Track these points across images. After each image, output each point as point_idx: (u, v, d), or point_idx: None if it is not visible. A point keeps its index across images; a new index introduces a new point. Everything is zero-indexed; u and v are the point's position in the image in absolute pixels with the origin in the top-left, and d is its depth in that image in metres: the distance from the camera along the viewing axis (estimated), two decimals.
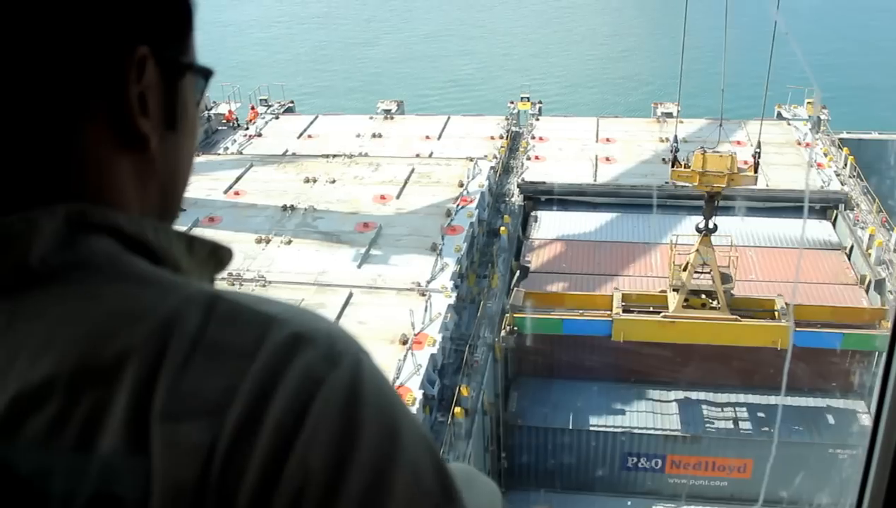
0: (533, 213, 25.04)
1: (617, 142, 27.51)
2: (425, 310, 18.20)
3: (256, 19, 58.76)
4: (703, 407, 20.42)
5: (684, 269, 20.51)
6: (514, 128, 29.23)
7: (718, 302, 20.22)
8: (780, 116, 29.12)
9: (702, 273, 20.36)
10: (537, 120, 29.62)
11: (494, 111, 30.86)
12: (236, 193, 24.12)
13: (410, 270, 19.79)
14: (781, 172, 24.90)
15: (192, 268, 1.10)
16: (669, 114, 28.91)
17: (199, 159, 26.55)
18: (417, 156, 26.51)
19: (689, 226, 21.41)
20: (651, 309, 20.94)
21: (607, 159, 26.50)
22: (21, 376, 0.91)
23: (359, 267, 20.09)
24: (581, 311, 20.93)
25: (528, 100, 30.50)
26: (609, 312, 20.50)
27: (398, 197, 23.34)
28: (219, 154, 27.58)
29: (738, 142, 25.00)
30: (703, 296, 20.39)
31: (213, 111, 30.26)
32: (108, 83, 1.02)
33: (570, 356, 21.23)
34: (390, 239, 21.24)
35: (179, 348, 0.91)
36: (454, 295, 19.09)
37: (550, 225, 24.51)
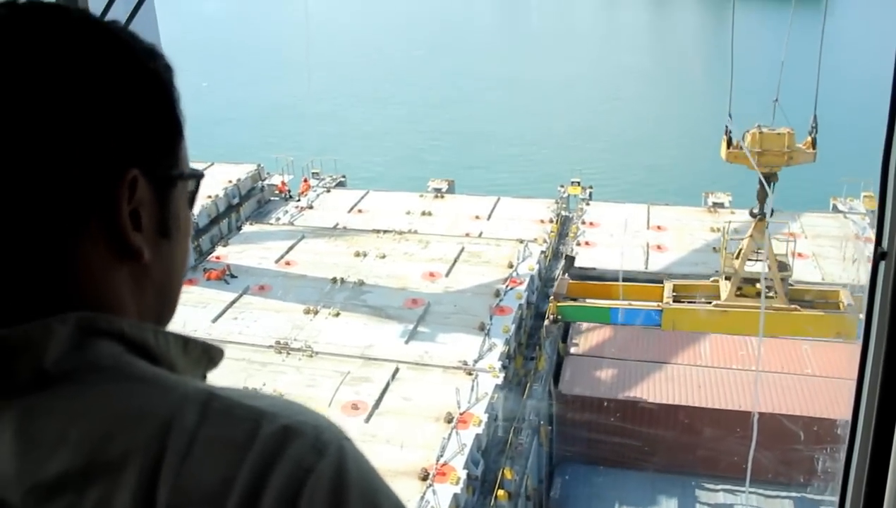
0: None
1: (668, 230, 27.37)
2: (472, 390, 18.01)
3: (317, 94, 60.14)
4: (753, 501, 19.85)
5: (737, 256, 19.81)
6: (564, 213, 29.25)
7: (775, 291, 19.36)
8: (835, 209, 28.82)
9: (756, 260, 19.62)
10: (588, 205, 29.60)
11: (545, 194, 30.90)
12: (287, 263, 24.29)
13: (458, 348, 19.66)
14: (837, 266, 24.51)
15: (187, 367, 1.18)
16: (721, 204, 28.80)
17: (252, 228, 26.97)
18: (467, 235, 26.56)
19: None
20: (703, 300, 20.30)
21: (658, 247, 26.34)
22: (36, 470, 0.99)
23: (406, 342, 20.02)
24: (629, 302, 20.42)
25: (579, 185, 30.54)
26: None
27: (447, 275, 23.32)
28: (271, 224, 27.88)
29: (792, 234, 24.75)
30: (758, 285, 19.58)
31: (266, 182, 30.74)
32: (101, 203, 1.12)
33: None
34: (438, 316, 21.17)
35: (179, 443, 0.99)
36: (501, 375, 18.89)
37: None
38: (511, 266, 23.56)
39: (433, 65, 71.84)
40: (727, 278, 19.98)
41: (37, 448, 1.00)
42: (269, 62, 72.55)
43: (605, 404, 20.71)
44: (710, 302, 20.09)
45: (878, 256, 2.13)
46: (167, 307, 1.28)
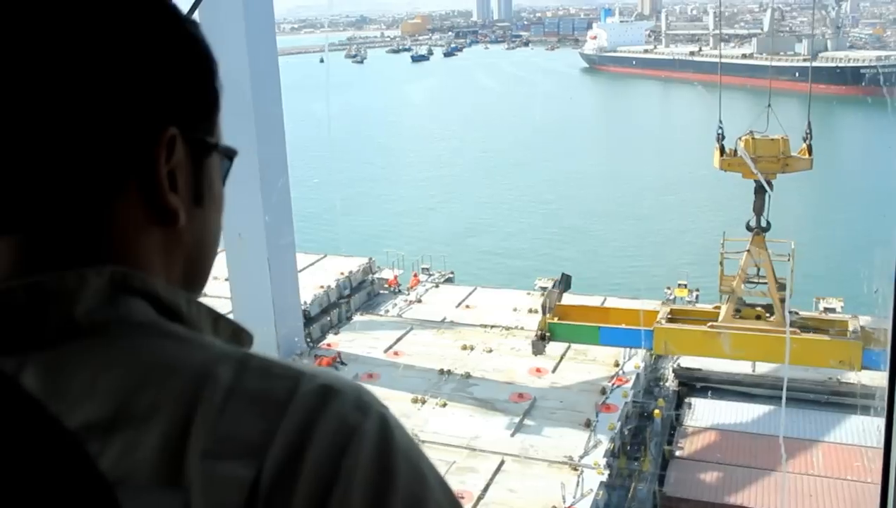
0: (687, 400, 24.60)
1: None
2: (577, 485, 18.00)
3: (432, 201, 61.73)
4: None
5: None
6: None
7: (774, 314, 18.41)
8: None
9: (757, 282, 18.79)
10: (694, 306, 29.41)
11: (651, 295, 30.80)
12: (395, 353, 24.85)
13: (563, 443, 19.71)
14: None
15: None
16: (832, 309, 28.20)
17: (362, 318, 27.66)
18: None
19: (851, 425, 20.51)
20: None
21: None
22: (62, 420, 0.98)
23: (512, 435, 20.17)
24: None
25: (686, 287, 30.40)
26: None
27: (553, 371, 23.46)
28: (380, 315, 28.61)
29: None
30: (759, 308, 18.57)
31: (376, 275, 31.59)
32: (140, 161, 1.11)
33: None
34: (544, 411, 21.28)
35: (215, 395, 0.98)
36: (606, 472, 18.84)
37: (705, 413, 23.98)
38: (617, 364, 23.58)
39: (532, 163, 72.98)
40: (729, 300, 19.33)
41: (62, 399, 0.96)
42: (378, 160, 74.80)
43: None
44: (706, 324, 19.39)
45: None
46: (195, 281, 1.25)
